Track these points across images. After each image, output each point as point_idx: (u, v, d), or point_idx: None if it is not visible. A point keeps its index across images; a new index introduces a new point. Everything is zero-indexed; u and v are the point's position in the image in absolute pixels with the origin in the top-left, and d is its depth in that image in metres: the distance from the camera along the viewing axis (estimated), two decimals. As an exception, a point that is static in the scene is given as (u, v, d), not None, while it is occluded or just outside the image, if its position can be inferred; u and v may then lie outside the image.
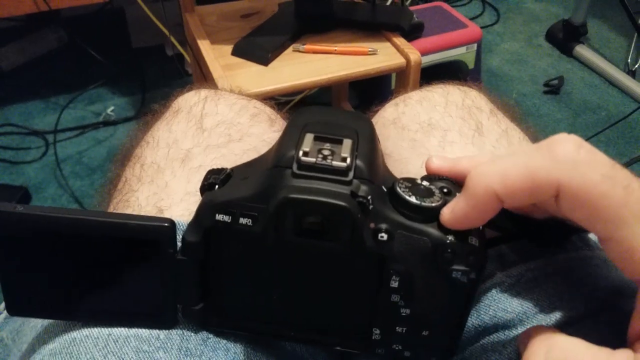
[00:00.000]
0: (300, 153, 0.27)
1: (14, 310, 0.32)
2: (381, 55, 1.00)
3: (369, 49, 1.00)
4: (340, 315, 0.32)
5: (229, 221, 0.28)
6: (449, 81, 0.51)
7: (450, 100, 0.48)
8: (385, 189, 0.29)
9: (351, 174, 0.27)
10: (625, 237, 0.24)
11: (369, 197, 0.27)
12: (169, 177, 0.39)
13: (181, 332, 0.33)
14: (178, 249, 0.30)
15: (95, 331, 0.32)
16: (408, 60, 0.99)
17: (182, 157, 0.40)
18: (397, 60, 1.00)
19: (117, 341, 0.32)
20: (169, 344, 0.32)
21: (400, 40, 1.03)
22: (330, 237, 0.27)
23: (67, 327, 0.33)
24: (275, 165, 0.28)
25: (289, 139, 0.28)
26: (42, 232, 0.29)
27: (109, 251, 0.30)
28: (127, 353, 0.31)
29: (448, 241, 0.27)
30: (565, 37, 1.87)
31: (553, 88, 1.71)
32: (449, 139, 0.44)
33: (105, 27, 1.79)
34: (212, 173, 0.30)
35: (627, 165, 1.30)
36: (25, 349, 0.35)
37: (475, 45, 1.50)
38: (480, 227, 0.29)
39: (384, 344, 0.31)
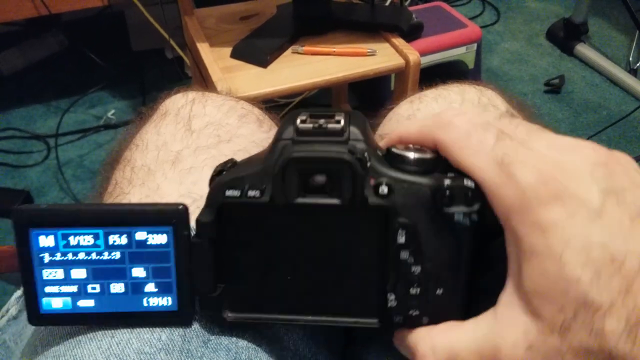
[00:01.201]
0: (298, 121, 0.30)
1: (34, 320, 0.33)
2: (380, 56, 1.00)
3: (368, 50, 1.00)
4: (353, 288, 0.32)
5: (238, 195, 0.30)
6: (464, 81, 0.51)
7: (467, 98, 0.48)
8: (380, 154, 0.30)
9: (346, 135, 0.29)
10: (485, 180, 0.27)
11: (366, 154, 0.29)
12: (161, 180, 0.39)
13: (183, 334, 0.33)
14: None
15: (99, 333, 0.32)
16: (407, 61, 0.99)
17: (172, 159, 0.40)
18: (396, 61, 1.00)
19: (120, 343, 0.32)
20: (170, 346, 0.32)
21: (399, 41, 1.03)
22: (334, 195, 0.29)
23: (71, 329, 0.33)
24: (275, 140, 0.30)
25: (286, 123, 0.30)
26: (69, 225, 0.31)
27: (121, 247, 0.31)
28: (129, 355, 0.31)
29: (445, 185, 0.29)
30: (566, 36, 1.87)
31: (554, 87, 1.71)
32: None
33: (105, 30, 1.80)
34: (219, 165, 0.32)
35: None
36: (27, 351, 0.35)
37: (475, 45, 1.50)
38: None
39: (400, 310, 0.31)
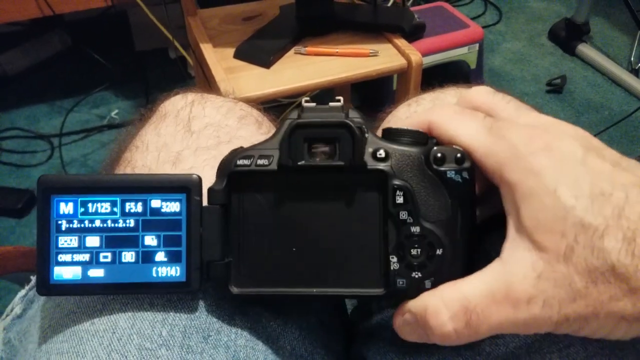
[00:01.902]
0: (303, 101, 0.33)
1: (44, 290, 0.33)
2: (382, 57, 1.01)
3: (370, 51, 1.00)
4: (358, 257, 0.33)
5: (248, 164, 0.32)
6: (461, 84, 0.52)
7: None
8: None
9: (346, 111, 0.33)
10: (476, 143, 0.31)
11: (364, 126, 0.32)
12: None
13: (183, 330, 0.33)
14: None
15: (100, 328, 0.33)
16: (409, 62, 1.00)
17: (173, 159, 0.41)
18: (398, 61, 1.00)
19: (121, 339, 0.32)
20: (171, 342, 0.33)
21: (401, 42, 1.03)
22: (337, 158, 0.32)
23: (74, 326, 0.34)
24: (282, 120, 0.33)
25: (292, 109, 0.33)
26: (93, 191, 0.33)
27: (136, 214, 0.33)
28: (130, 351, 0.32)
29: (435, 148, 0.32)
30: (567, 36, 1.87)
31: (556, 87, 1.71)
32: None
33: (108, 30, 1.81)
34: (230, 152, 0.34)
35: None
36: (31, 348, 0.35)
37: (477, 45, 1.50)
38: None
39: (403, 272, 0.32)
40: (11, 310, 0.41)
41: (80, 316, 0.34)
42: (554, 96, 1.71)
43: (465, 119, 0.32)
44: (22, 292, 0.42)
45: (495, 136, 0.30)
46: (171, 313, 0.34)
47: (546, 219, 0.27)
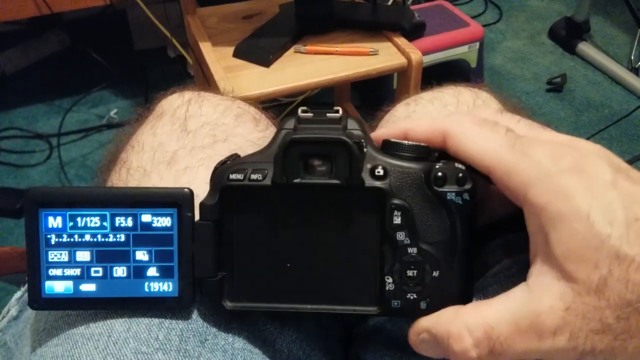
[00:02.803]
0: (299, 111, 0.32)
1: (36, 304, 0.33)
2: (382, 56, 1.00)
3: (370, 50, 1.00)
4: (352, 275, 0.32)
5: (241, 178, 0.31)
6: (459, 82, 0.51)
7: (462, 101, 0.48)
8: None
9: (344, 123, 0.31)
10: (498, 161, 0.28)
11: (362, 141, 0.31)
12: (156, 181, 0.39)
13: (180, 334, 0.33)
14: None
15: (96, 333, 0.32)
16: (409, 60, 0.99)
17: (168, 159, 0.40)
18: (398, 60, 1.00)
19: (117, 343, 0.32)
20: (167, 346, 0.32)
21: (401, 40, 1.03)
22: (333, 176, 0.31)
23: (69, 329, 0.33)
24: (278, 131, 0.32)
25: (288, 117, 0.32)
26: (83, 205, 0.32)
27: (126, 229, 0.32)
28: (126, 355, 0.31)
29: (437, 166, 0.31)
30: (568, 35, 1.86)
31: (556, 86, 1.70)
32: None
33: (107, 29, 1.80)
34: (223, 159, 0.33)
35: (630, 163, 1.30)
36: (27, 352, 0.35)
37: (477, 44, 1.49)
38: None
39: (398, 293, 0.31)
40: (7, 312, 0.41)
41: (75, 319, 0.33)
42: (554, 95, 1.70)
43: (486, 132, 0.30)
44: (18, 294, 0.41)
45: (519, 153, 0.28)
46: (168, 317, 0.33)
47: (579, 248, 0.25)
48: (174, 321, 0.33)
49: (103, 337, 0.32)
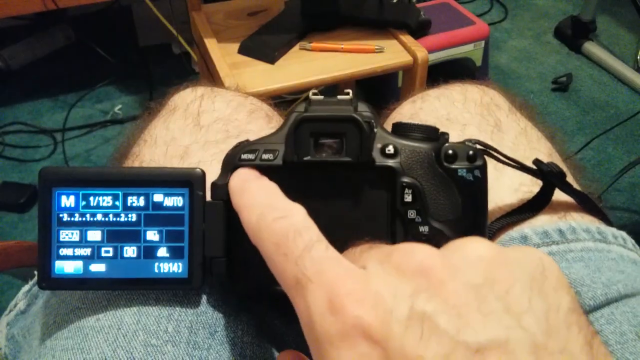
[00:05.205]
0: (310, 93, 0.32)
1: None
2: (388, 53, 1.00)
3: (376, 47, 1.00)
4: None
5: (252, 158, 0.31)
6: (467, 80, 0.51)
7: (469, 98, 0.48)
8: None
9: (355, 104, 0.31)
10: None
11: (373, 121, 0.31)
12: None
13: (189, 325, 0.33)
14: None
15: (106, 324, 0.32)
16: (415, 58, 0.99)
17: (181, 153, 0.41)
18: (403, 58, 1.00)
19: (126, 335, 0.32)
20: (177, 338, 0.32)
21: (407, 38, 1.03)
22: (344, 154, 0.30)
23: (79, 322, 0.33)
24: (289, 113, 0.32)
25: (298, 104, 0.32)
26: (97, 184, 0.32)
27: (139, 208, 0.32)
28: (135, 347, 0.31)
29: (447, 145, 0.31)
30: (574, 34, 1.86)
31: (561, 85, 1.70)
32: (468, 133, 0.44)
33: (112, 25, 1.80)
34: (235, 144, 0.33)
35: (635, 163, 1.29)
36: (35, 345, 0.35)
37: (482, 43, 1.49)
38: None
39: None
40: (15, 306, 0.41)
41: (85, 312, 0.34)
42: (559, 94, 1.70)
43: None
44: (26, 287, 0.42)
45: None
46: (177, 309, 0.34)
47: None
48: (183, 313, 0.33)
49: (113, 330, 0.32)
